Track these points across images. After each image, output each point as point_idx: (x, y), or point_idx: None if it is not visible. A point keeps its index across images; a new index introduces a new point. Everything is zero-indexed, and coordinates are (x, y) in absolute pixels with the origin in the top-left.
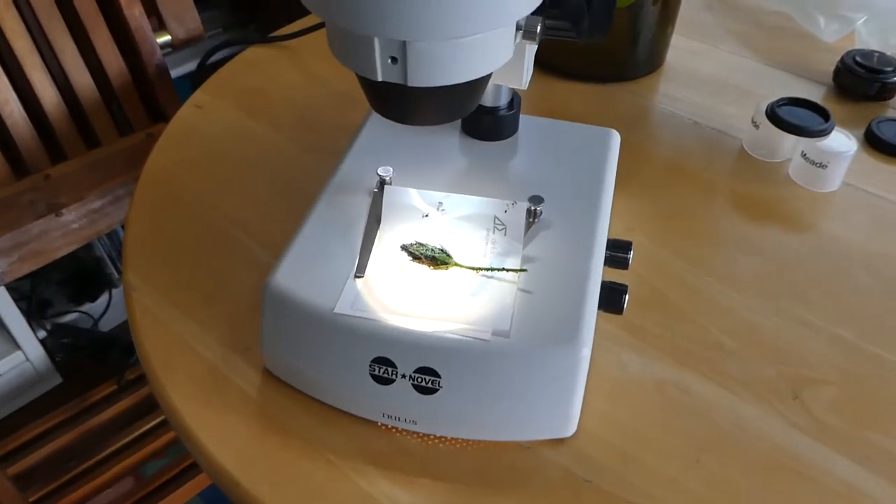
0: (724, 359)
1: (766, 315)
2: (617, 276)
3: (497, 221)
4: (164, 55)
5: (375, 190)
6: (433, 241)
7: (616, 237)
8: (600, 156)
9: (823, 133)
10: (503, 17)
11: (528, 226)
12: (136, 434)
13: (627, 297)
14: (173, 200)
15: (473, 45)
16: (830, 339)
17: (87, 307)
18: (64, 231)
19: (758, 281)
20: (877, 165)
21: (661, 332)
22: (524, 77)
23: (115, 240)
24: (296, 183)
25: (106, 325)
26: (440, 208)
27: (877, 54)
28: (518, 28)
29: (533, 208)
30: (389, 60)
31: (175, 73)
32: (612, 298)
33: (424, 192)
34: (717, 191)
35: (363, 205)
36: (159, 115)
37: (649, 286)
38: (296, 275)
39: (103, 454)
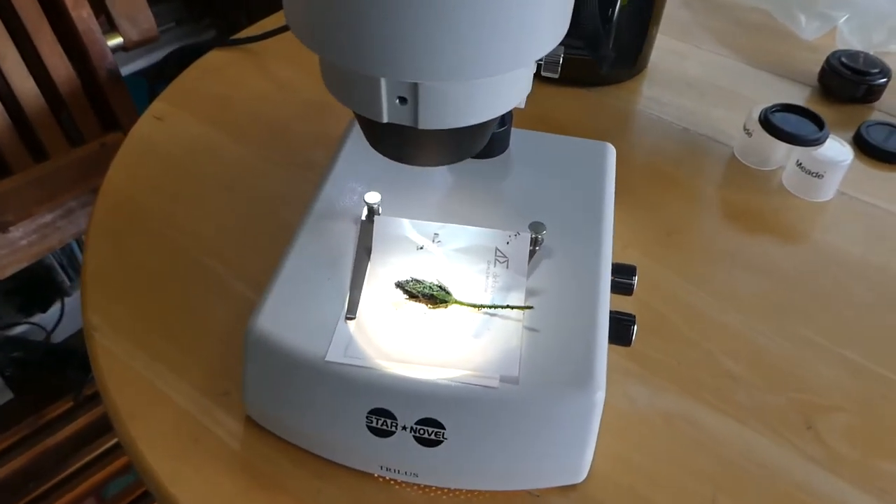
0: (733, 386)
1: (771, 336)
2: (619, 301)
3: (498, 253)
4: (117, 57)
5: (363, 218)
6: (430, 276)
7: (616, 258)
8: (597, 173)
9: (818, 142)
10: (527, 56)
11: (531, 255)
12: (97, 453)
13: (636, 327)
14: (135, 226)
15: (492, 84)
16: (837, 360)
17: (38, 318)
18: (11, 249)
19: (760, 299)
20: (869, 172)
21: (666, 359)
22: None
23: (65, 246)
24: (268, 202)
25: (59, 336)
26: (436, 240)
27: (862, 55)
28: (538, 60)
29: (535, 236)
30: (397, 101)
31: (130, 68)
32: (619, 331)
33: (418, 223)
34: (710, 202)
35: (350, 234)
36: (113, 123)
37: (651, 310)
38: (280, 317)
39: (63, 475)
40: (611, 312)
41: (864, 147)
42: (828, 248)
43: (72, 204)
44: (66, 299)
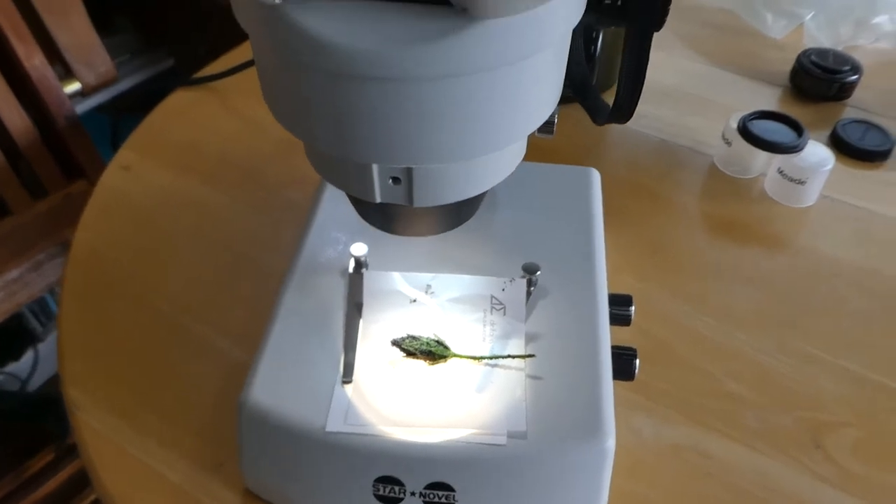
0: (739, 409)
1: (771, 353)
2: (617, 332)
3: (494, 301)
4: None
5: (350, 271)
6: (426, 330)
7: (609, 284)
8: (584, 201)
9: (798, 148)
10: (522, 132)
11: (527, 298)
12: None
13: (638, 360)
14: (109, 289)
15: (488, 159)
16: (840, 373)
17: (11, 367)
18: None
19: (757, 314)
20: (849, 172)
21: (669, 387)
22: None
23: None
24: (247, 249)
25: (36, 382)
26: (429, 291)
27: (831, 53)
28: None
29: (530, 277)
30: (390, 181)
31: (90, 103)
32: (622, 367)
33: (409, 275)
34: (697, 216)
35: (338, 289)
36: (76, 172)
37: (650, 337)
38: (274, 386)
39: None
40: (612, 348)
41: (842, 146)
42: (818, 256)
43: (40, 257)
44: (39, 345)
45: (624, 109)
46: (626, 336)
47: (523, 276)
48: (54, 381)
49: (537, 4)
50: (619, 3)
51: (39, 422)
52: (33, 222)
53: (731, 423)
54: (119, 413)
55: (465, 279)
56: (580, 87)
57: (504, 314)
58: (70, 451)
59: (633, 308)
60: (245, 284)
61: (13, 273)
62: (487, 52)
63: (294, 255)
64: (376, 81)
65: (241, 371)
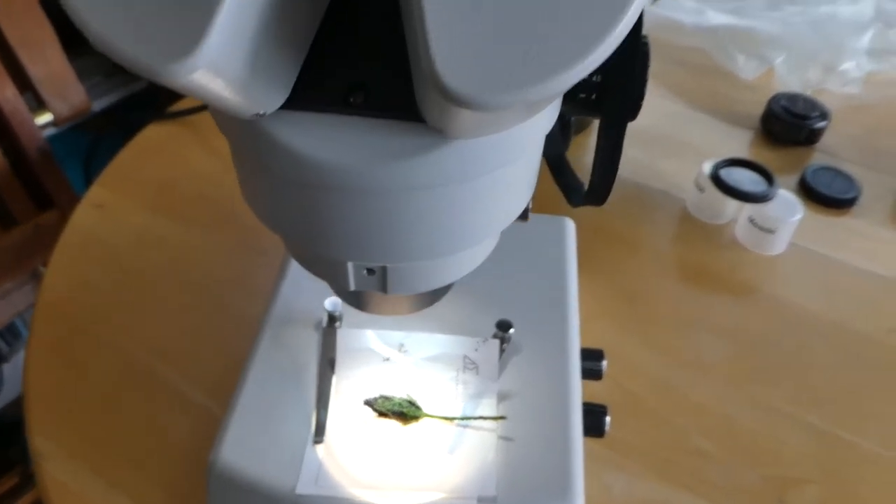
0: (706, 466)
1: (739, 405)
2: (589, 385)
3: (467, 360)
4: (47, 131)
5: (324, 325)
6: (398, 390)
7: (581, 332)
8: (558, 252)
9: (769, 198)
10: (497, 228)
11: (500, 355)
12: None
13: (609, 417)
14: (80, 334)
15: (461, 254)
16: (804, 428)
17: None
18: None
19: (726, 366)
20: (817, 220)
21: (639, 442)
22: None
23: None
24: (222, 292)
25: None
26: (402, 349)
27: (801, 98)
28: None
29: (503, 335)
30: (365, 272)
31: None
32: (593, 424)
33: (383, 333)
34: (669, 262)
35: (311, 342)
36: (46, 203)
37: (622, 389)
38: (244, 445)
39: None
40: (583, 404)
41: (810, 193)
42: (787, 306)
43: (8, 286)
44: (4, 366)
45: (599, 193)
46: (598, 387)
47: (496, 335)
48: (18, 403)
49: (511, 126)
50: (594, 97)
51: (2, 447)
52: (2, 252)
53: (698, 478)
54: (88, 465)
55: (439, 338)
56: (555, 164)
57: (477, 373)
58: (33, 477)
59: (604, 363)
60: (220, 330)
61: None
62: (462, 167)
63: (268, 305)
64: (351, 192)
65: (213, 422)
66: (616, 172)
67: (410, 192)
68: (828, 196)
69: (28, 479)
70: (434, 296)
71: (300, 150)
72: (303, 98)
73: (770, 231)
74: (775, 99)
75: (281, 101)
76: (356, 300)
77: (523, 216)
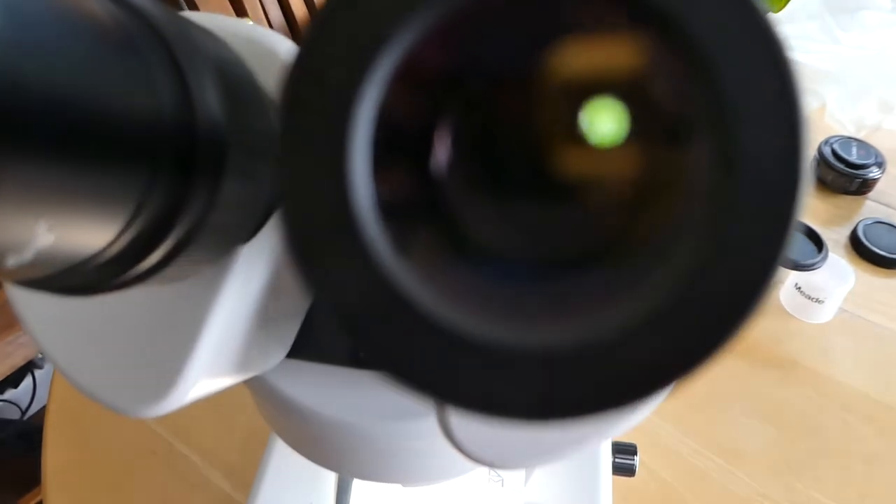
0: None
1: (778, 500)
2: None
3: (492, 473)
4: None
5: None
6: None
7: None
8: None
9: (818, 266)
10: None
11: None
12: None
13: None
14: (95, 408)
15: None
16: None
17: (10, 394)
18: None
19: (765, 454)
20: (869, 282)
21: None
22: None
23: None
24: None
25: (32, 409)
26: None
27: (855, 144)
28: None
29: None
30: None
31: None
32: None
33: None
34: None
35: None
36: None
37: (656, 478)
38: None
39: None
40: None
41: (862, 250)
42: (832, 385)
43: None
44: (38, 372)
45: None
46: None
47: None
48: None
49: None
50: None
51: (36, 454)
52: None
53: None
54: None
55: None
56: None
57: (502, 486)
58: None
59: (637, 458)
60: (242, 408)
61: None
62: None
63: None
64: (361, 441)
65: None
66: None
67: (424, 441)
68: (881, 256)
69: None
70: None
71: (305, 403)
72: (307, 350)
73: (818, 301)
74: (826, 143)
75: (282, 357)
76: None
77: None
